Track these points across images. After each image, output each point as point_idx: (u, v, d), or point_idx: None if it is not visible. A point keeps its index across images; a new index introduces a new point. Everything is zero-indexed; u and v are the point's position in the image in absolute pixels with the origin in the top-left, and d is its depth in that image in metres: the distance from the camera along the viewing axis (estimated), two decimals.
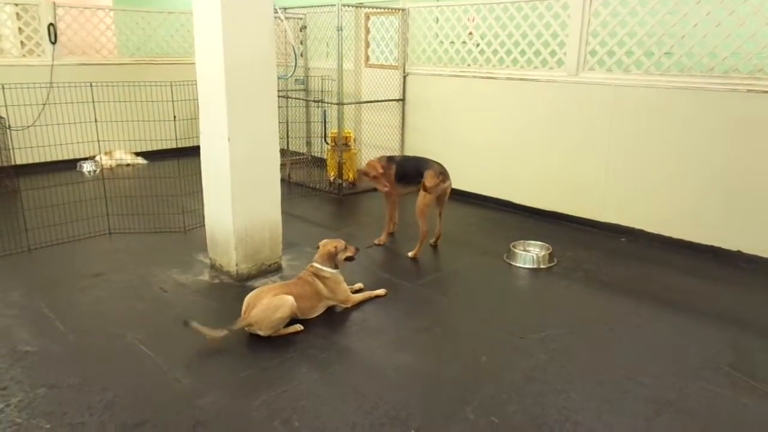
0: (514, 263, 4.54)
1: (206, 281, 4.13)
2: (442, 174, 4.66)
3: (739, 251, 4.54)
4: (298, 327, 3.45)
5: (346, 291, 3.78)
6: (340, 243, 3.73)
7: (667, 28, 4.72)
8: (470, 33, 6.03)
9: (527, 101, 5.64)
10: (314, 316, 3.61)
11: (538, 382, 2.98)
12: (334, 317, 3.66)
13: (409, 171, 4.77)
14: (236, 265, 4.10)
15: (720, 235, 4.62)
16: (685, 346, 3.35)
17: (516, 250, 4.61)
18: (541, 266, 4.49)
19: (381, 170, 4.75)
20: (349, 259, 3.79)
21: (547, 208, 5.65)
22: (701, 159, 4.64)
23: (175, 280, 4.12)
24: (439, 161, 4.79)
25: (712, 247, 4.67)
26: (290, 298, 3.39)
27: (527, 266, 4.50)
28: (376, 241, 4.94)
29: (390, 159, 4.91)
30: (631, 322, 3.63)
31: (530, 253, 4.59)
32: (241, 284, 4.06)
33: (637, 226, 5.07)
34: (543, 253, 4.58)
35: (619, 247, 4.94)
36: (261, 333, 3.34)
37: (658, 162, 4.87)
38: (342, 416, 2.67)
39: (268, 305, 3.32)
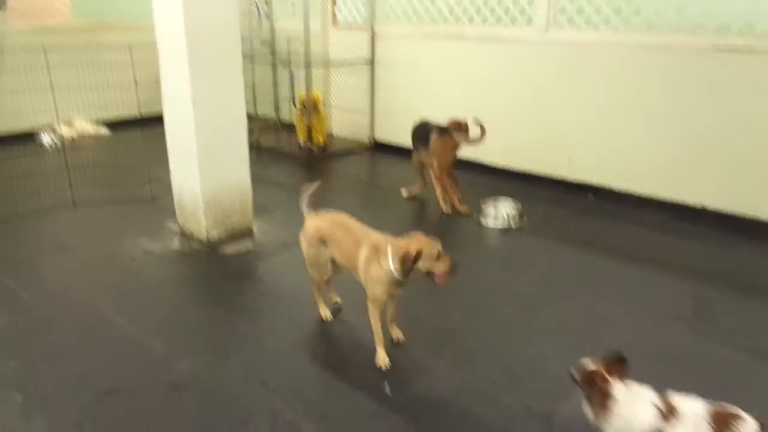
0: (484, 222, 4.58)
1: (176, 249, 4.07)
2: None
3: (703, 207, 4.65)
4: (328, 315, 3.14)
5: (375, 295, 2.75)
6: (433, 247, 2.57)
7: None
8: None
9: (497, 61, 5.61)
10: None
11: (508, 334, 3.04)
12: (300, 280, 3.63)
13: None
14: (206, 231, 4.05)
15: (685, 192, 4.72)
16: (650, 297, 3.45)
17: (487, 209, 4.64)
18: (512, 225, 4.54)
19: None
20: (432, 276, 2.58)
21: (517, 168, 5.69)
22: (668, 116, 4.69)
23: (144, 248, 4.05)
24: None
25: (677, 203, 4.77)
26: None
27: (498, 225, 4.54)
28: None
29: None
30: (598, 276, 3.72)
31: (500, 212, 4.63)
32: (212, 250, 4.02)
33: (606, 184, 5.14)
34: (513, 212, 4.62)
35: (587, 205, 5.02)
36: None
37: (626, 120, 4.92)
38: (318, 374, 2.69)
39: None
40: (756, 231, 4.36)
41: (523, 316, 3.23)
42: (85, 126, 7.14)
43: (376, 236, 2.76)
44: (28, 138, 6.70)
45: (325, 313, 3.18)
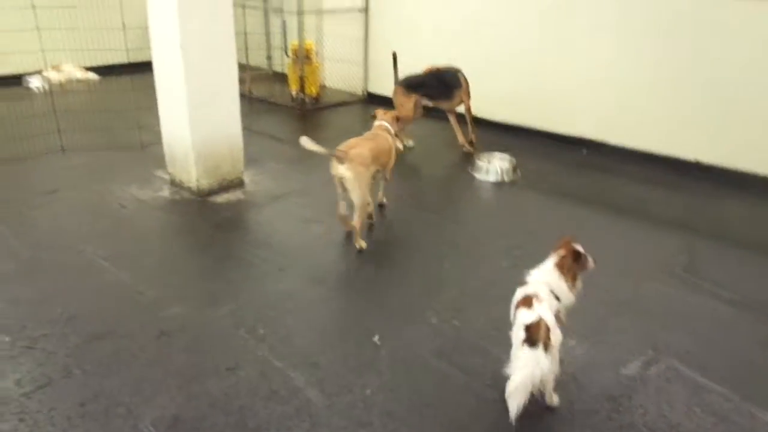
0: (478, 176, 4.56)
1: (166, 197, 4.04)
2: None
3: (697, 161, 4.63)
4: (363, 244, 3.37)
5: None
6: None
7: None
8: None
9: (494, 8, 5.47)
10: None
11: (499, 287, 3.04)
12: (291, 231, 3.64)
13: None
14: (197, 180, 4.01)
15: (679, 146, 4.70)
16: (641, 250, 3.46)
17: (480, 163, 4.61)
18: (505, 179, 4.52)
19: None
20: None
21: (511, 122, 5.63)
22: (663, 69, 4.62)
23: (134, 196, 4.01)
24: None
25: (670, 157, 4.75)
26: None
27: (491, 179, 4.52)
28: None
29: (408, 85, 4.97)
30: (591, 229, 3.72)
31: (494, 166, 4.60)
32: (202, 200, 3.99)
33: (599, 138, 5.10)
34: (507, 166, 4.59)
35: (581, 159, 4.99)
36: (347, 175, 3.21)
37: (619, 73, 4.84)
38: (307, 324, 2.71)
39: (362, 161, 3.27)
40: (750, 185, 4.36)
41: (514, 270, 3.23)
42: (73, 70, 6.99)
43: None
44: (16, 81, 6.56)
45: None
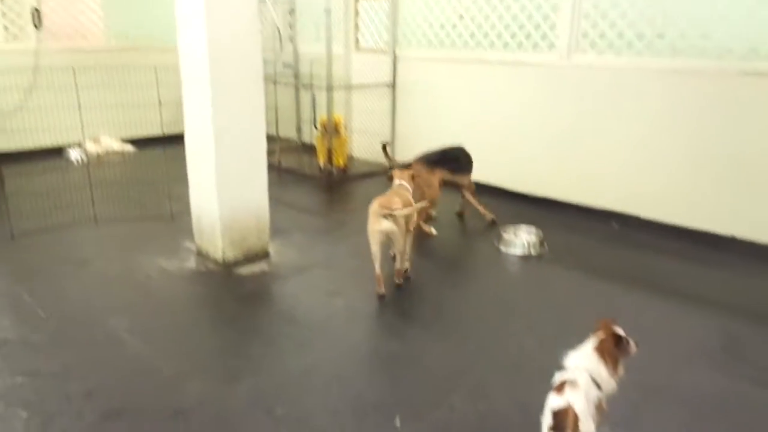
0: (504, 249, 4.50)
1: (192, 268, 4.07)
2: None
3: (732, 236, 4.50)
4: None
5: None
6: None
7: (659, 8, 4.65)
8: (461, 15, 5.93)
9: (518, 85, 5.57)
10: None
11: (525, 369, 2.94)
12: (315, 304, 3.61)
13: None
14: (222, 252, 4.04)
15: (713, 221, 4.58)
16: (676, 332, 3.32)
17: (506, 236, 4.56)
18: (532, 252, 4.45)
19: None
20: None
21: (539, 194, 5.60)
22: (694, 142, 4.58)
23: (161, 267, 4.06)
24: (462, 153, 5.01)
25: (705, 232, 4.62)
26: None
27: (517, 252, 4.45)
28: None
29: (427, 162, 4.96)
30: (622, 308, 3.59)
31: (520, 239, 4.54)
32: (227, 271, 4.00)
33: (630, 212, 5.02)
34: (533, 239, 4.53)
35: (611, 233, 4.90)
36: (393, 229, 3.57)
37: (650, 146, 4.82)
38: (325, 404, 2.63)
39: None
40: None
41: (541, 351, 3.12)
42: (111, 143, 7.27)
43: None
44: (57, 153, 6.85)
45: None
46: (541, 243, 4.52)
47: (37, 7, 6.78)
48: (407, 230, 3.79)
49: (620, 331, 2.23)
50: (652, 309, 3.60)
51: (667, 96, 4.67)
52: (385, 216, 3.56)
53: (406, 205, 3.76)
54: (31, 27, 6.81)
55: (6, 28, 6.80)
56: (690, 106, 4.56)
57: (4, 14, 6.77)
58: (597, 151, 5.13)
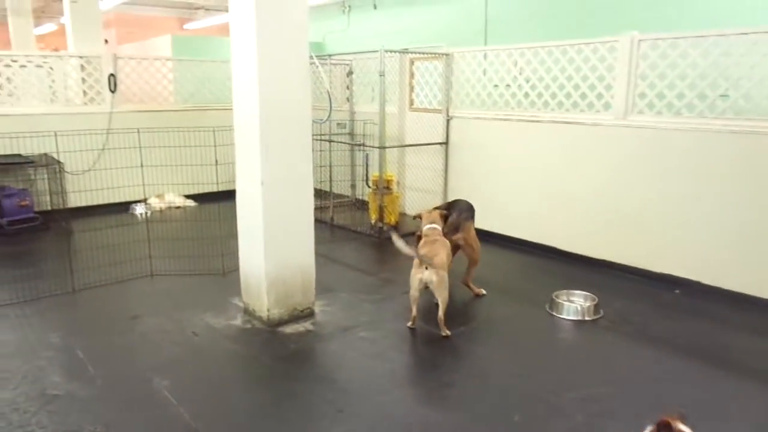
0: (556, 314, 4.31)
1: (238, 326, 4.10)
2: (452, 226, 4.55)
3: None
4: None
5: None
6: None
7: (721, 69, 4.51)
8: (515, 77, 5.95)
9: (573, 145, 5.47)
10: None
11: None
12: (355, 367, 3.54)
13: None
14: (267, 310, 4.07)
15: None
16: (744, 412, 3.04)
17: (559, 300, 4.38)
18: (586, 318, 4.25)
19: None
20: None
21: (594, 256, 5.39)
22: (761, 208, 4.32)
23: (207, 324, 4.11)
24: (472, 205, 4.76)
25: None
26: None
27: (570, 318, 4.26)
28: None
29: (439, 208, 4.87)
30: (683, 384, 3.34)
31: (574, 304, 4.35)
32: (271, 330, 4.01)
33: (692, 278, 4.74)
34: (588, 304, 4.33)
35: (671, 300, 4.62)
36: (435, 279, 3.78)
37: (713, 210, 4.58)
38: None
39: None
40: None
41: (589, 426, 2.92)
42: (173, 198, 7.61)
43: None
44: (124, 208, 7.22)
45: None
46: (596, 308, 4.31)
47: (113, 73, 7.30)
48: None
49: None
50: (717, 385, 3.33)
51: (730, 157, 4.46)
52: (427, 265, 3.80)
53: (449, 254, 3.99)
54: (107, 91, 7.32)
55: (85, 92, 7.34)
56: (756, 168, 4.33)
57: (84, 80, 7.33)
58: (656, 213, 4.92)
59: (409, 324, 3.96)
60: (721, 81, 4.53)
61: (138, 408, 3.07)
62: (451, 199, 5.15)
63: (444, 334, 3.86)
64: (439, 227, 4.28)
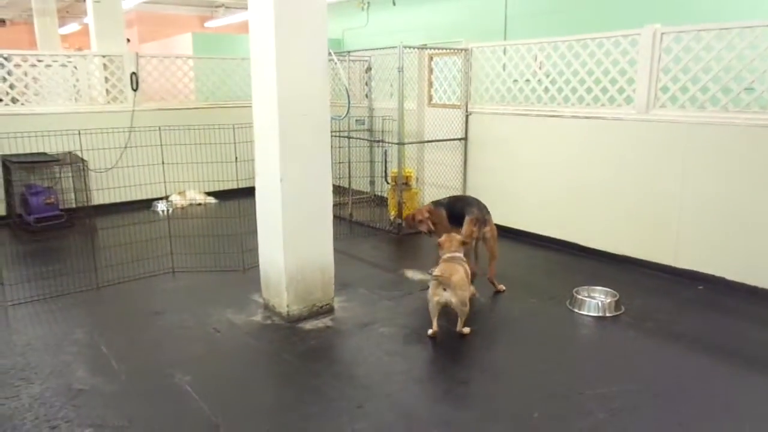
0: (577, 310, 4.28)
1: (258, 322, 4.14)
2: (479, 221, 4.54)
3: None
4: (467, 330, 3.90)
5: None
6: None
7: (746, 62, 4.42)
8: (535, 71, 5.90)
9: (594, 140, 5.41)
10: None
11: None
12: (375, 363, 3.55)
13: (457, 212, 4.71)
14: (287, 306, 4.10)
15: None
16: None
17: (580, 296, 4.35)
18: (607, 314, 4.21)
19: (427, 214, 4.81)
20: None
21: (615, 252, 5.34)
22: None
23: (229, 320, 4.16)
24: (482, 201, 4.73)
25: None
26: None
27: (591, 314, 4.22)
28: None
29: (437, 204, 4.89)
30: (707, 382, 3.29)
31: (595, 300, 4.32)
32: (291, 326, 4.04)
33: (717, 273, 4.67)
34: (609, 300, 4.29)
35: (695, 296, 4.55)
36: (453, 300, 3.70)
37: (737, 204, 4.50)
38: None
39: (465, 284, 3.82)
40: None
41: (611, 423, 2.90)
42: (195, 195, 7.69)
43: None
44: (146, 205, 7.32)
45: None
46: (618, 304, 4.27)
47: (135, 72, 7.40)
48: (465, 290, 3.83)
49: None
50: (742, 384, 3.28)
51: (754, 152, 4.38)
52: (445, 285, 3.71)
53: (467, 272, 3.89)
54: (129, 90, 7.42)
55: (108, 91, 7.45)
56: None
57: (107, 79, 7.43)
58: (678, 209, 4.85)
59: (430, 333, 3.80)
60: (746, 74, 4.44)
61: (160, 403, 3.12)
62: (468, 195, 5.13)
63: (467, 331, 3.84)
64: (460, 254, 4.08)
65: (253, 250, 4.65)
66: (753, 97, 4.42)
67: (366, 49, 7.38)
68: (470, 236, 4.48)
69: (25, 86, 6.95)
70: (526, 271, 5.24)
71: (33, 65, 6.98)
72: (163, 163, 5.15)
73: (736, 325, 4.06)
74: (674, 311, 4.27)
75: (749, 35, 4.35)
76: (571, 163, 5.60)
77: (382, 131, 6.87)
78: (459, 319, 3.82)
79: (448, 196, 5.15)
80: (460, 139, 6.62)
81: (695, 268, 4.79)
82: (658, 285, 4.79)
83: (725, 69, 4.53)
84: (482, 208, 4.64)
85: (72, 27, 15.69)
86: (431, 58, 7.00)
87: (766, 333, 3.92)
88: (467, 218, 4.56)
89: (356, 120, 7.33)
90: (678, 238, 4.88)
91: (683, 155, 4.77)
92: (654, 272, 5.01)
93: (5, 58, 6.73)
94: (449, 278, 3.71)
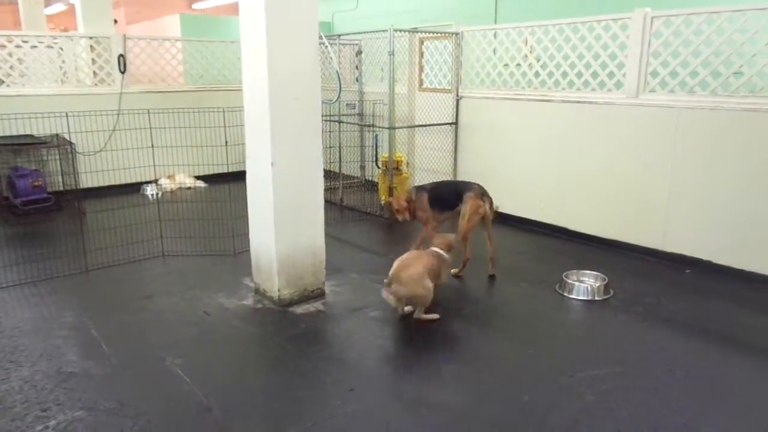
0: (566, 294, 4.32)
1: (249, 306, 4.14)
2: (484, 195, 4.54)
3: None
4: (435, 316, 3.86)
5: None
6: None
7: (735, 46, 4.43)
8: (525, 55, 5.89)
9: (584, 124, 5.42)
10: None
11: (585, 426, 2.77)
12: (366, 347, 3.57)
13: (444, 196, 4.69)
14: (278, 290, 4.10)
15: None
16: (756, 393, 3.04)
17: (569, 281, 4.38)
18: (596, 298, 4.25)
19: (405, 203, 4.77)
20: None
21: (605, 236, 5.38)
22: None
23: (219, 303, 4.16)
24: (479, 184, 4.71)
25: None
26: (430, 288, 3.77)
27: (581, 298, 4.26)
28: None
29: (419, 189, 4.87)
30: (695, 364, 3.34)
31: (584, 284, 4.36)
32: (282, 310, 4.05)
33: (704, 257, 4.73)
34: (598, 284, 4.33)
35: (683, 280, 4.61)
36: (402, 293, 3.69)
37: (726, 188, 4.54)
38: None
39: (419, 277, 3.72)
40: None
41: (600, 405, 2.94)
42: (184, 179, 7.64)
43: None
44: (135, 189, 7.27)
45: None
46: (607, 288, 4.31)
47: (123, 54, 7.29)
48: (435, 283, 3.85)
49: None
50: (729, 365, 3.33)
51: (743, 136, 4.41)
52: (390, 283, 3.70)
53: (429, 267, 3.82)
54: (117, 72, 7.33)
55: (95, 73, 7.35)
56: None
57: (94, 61, 7.33)
58: (667, 193, 4.89)
59: (400, 313, 3.87)
60: (735, 58, 4.46)
61: (152, 386, 3.12)
62: (459, 180, 5.14)
63: (423, 317, 3.83)
64: (443, 253, 4.06)
65: (244, 235, 4.64)
66: (741, 82, 4.44)
67: (356, 33, 7.33)
68: (478, 211, 4.49)
69: (11, 67, 6.84)
70: (516, 255, 5.27)
71: (18, 46, 6.86)
72: (152, 146, 5.11)
73: (724, 308, 4.11)
74: (662, 294, 4.32)
75: (739, 18, 4.37)
76: (561, 147, 5.62)
77: (373, 115, 6.85)
78: (416, 310, 3.85)
79: (432, 182, 5.12)
80: (450, 124, 6.61)
81: (683, 252, 4.85)
82: (646, 269, 4.84)
83: (715, 53, 4.54)
84: (481, 187, 4.65)
85: (58, 7, 15.40)
86: (422, 42, 6.96)
87: (752, 316, 3.98)
88: (470, 194, 4.54)
89: (347, 104, 7.29)
90: (666, 222, 4.93)
91: (673, 139, 4.80)
92: (642, 256, 5.06)
93: None
94: (397, 274, 3.71)
